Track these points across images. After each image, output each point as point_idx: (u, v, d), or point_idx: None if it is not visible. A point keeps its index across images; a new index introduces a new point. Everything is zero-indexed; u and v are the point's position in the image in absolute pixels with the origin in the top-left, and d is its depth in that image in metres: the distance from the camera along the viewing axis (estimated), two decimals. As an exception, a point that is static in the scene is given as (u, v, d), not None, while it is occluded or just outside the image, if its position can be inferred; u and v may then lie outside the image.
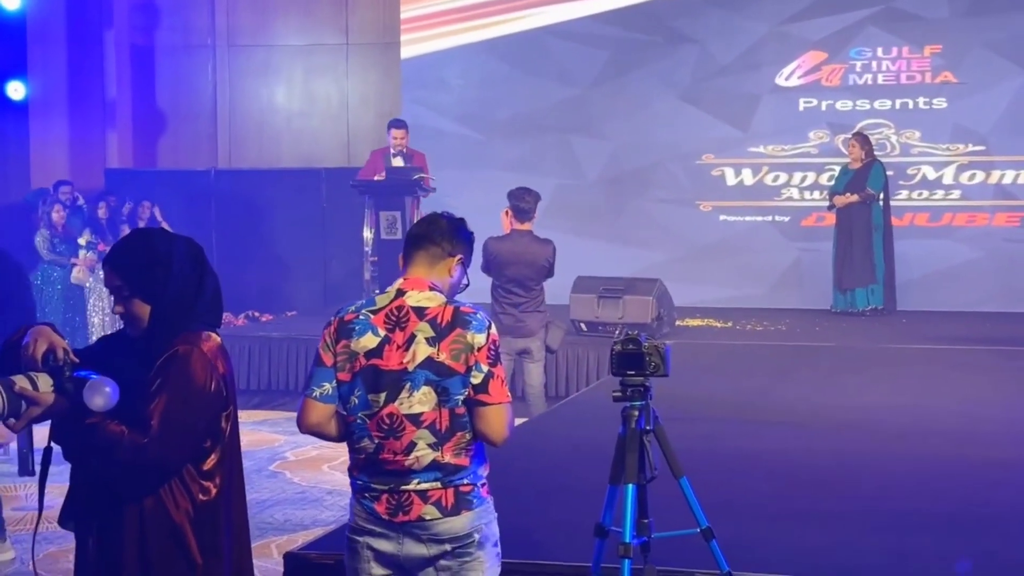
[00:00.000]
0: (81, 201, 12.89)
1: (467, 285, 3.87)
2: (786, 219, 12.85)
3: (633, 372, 3.99)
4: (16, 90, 13.74)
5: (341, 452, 4.44)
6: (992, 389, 8.41)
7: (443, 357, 3.60)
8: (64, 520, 3.25)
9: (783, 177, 12.92)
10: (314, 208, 13.77)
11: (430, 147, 12.11)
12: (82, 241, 12.30)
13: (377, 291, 11.34)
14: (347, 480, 7.40)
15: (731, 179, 13.00)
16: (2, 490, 7.93)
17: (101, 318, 12.36)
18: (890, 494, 5.71)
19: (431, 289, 3.70)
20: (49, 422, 3.10)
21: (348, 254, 12.68)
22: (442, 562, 3.64)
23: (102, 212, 12.79)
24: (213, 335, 3.26)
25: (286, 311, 13.00)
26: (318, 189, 13.68)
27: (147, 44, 15.06)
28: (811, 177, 12.84)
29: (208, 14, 14.92)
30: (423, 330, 3.63)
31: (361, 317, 3.69)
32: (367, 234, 11.93)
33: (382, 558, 3.67)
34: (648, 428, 3.99)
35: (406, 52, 13.74)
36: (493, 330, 3.67)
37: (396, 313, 3.67)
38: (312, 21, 14.84)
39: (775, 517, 5.18)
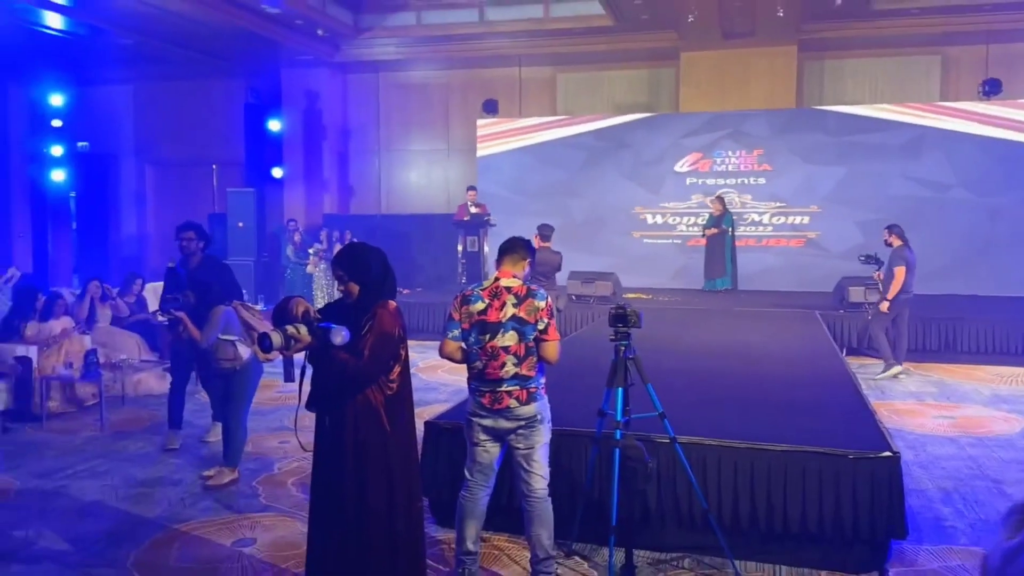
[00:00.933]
0: (300, 229, 13.81)
1: (530, 276, 3.92)
2: (679, 241, 13.53)
3: (622, 325, 3.99)
4: (277, 172, 14.86)
5: (446, 364, 3.97)
6: (787, 330, 8.85)
7: (522, 314, 3.68)
8: (310, 405, 3.31)
9: (678, 219, 13.54)
10: (430, 233, 14.24)
11: (492, 203, 13.10)
12: (311, 251, 13.11)
13: (463, 280, 11.96)
14: (452, 377, 8.10)
15: (650, 220, 13.62)
16: (274, 384, 7.85)
17: (323, 292, 12.82)
18: (742, 387, 5.82)
19: (513, 277, 3.79)
20: (305, 352, 3.22)
21: (448, 258, 13.18)
22: (519, 431, 3.72)
23: (323, 235, 13.70)
24: (393, 302, 3.34)
25: (416, 287, 13.36)
26: (432, 224, 14.30)
27: (343, 149, 15.83)
28: (692, 219, 13.43)
29: (375, 132, 15.64)
30: (510, 300, 3.69)
31: (475, 293, 3.76)
32: (459, 248, 12.61)
33: (485, 430, 3.77)
34: (630, 356, 3.98)
35: (480, 153, 14.29)
36: (549, 299, 3.77)
37: (495, 290, 3.74)
38: (430, 136, 15.47)
39: (692, 404, 5.17)
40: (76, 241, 15.62)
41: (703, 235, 12.58)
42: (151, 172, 16.29)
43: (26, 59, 12.99)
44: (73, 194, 15.24)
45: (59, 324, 7.96)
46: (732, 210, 12.75)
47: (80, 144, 14.91)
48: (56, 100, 13.50)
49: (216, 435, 6.30)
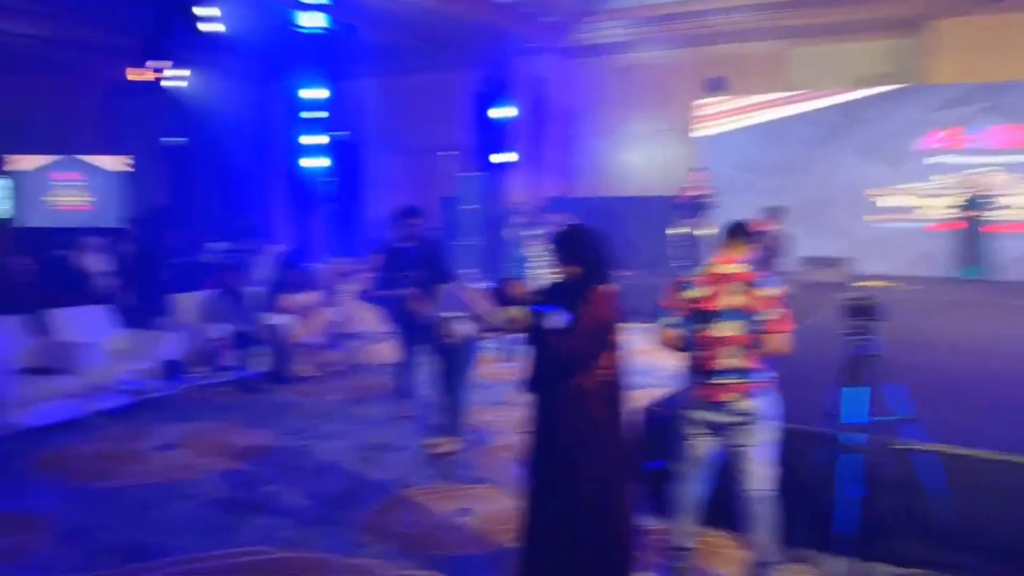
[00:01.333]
0: (526, 212, 13.03)
1: (754, 263, 3.72)
2: (921, 224, 12.48)
3: (862, 317, 3.73)
4: (503, 157, 14.91)
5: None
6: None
7: (743, 302, 3.50)
8: (529, 387, 3.31)
9: (922, 201, 12.54)
10: (648, 215, 13.54)
11: (713, 184, 12.57)
12: (533, 233, 12.35)
13: (681, 263, 11.12)
14: (667, 362, 6.24)
15: (887, 201, 12.76)
16: (489, 359, 7.80)
17: (543, 275, 12.20)
18: (998, 390, 5.32)
19: (735, 263, 3.63)
20: (524, 334, 3.30)
21: (660, 242, 12.72)
22: (735, 427, 3.57)
23: (545, 218, 12.10)
24: (610, 286, 3.27)
25: (636, 269, 12.81)
26: (650, 206, 13.72)
27: (566, 133, 15.75)
28: (939, 201, 12.33)
29: (597, 114, 15.45)
30: (730, 287, 3.54)
31: (691, 279, 3.66)
32: (678, 231, 12.33)
33: (700, 423, 3.65)
34: (871, 353, 3.70)
35: (698, 133, 14.06)
36: (779, 288, 3.53)
37: (713, 277, 3.59)
38: (650, 117, 15.18)
39: (939, 407, 4.64)
40: (330, 222, 16.76)
41: (958, 218, 11.46)
42: (393, 159, 17.17)
43: (287, 57, 14.20)
44: (330, 179, 16.41)
45: (310, 297, 8.58)
46: (991, 191, 11.42)
47: (336, 134, 15.93)
48: (313, 94, 14.68)
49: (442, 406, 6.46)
